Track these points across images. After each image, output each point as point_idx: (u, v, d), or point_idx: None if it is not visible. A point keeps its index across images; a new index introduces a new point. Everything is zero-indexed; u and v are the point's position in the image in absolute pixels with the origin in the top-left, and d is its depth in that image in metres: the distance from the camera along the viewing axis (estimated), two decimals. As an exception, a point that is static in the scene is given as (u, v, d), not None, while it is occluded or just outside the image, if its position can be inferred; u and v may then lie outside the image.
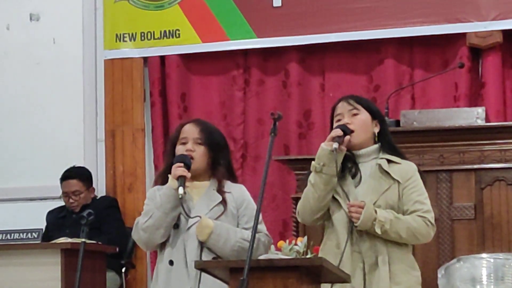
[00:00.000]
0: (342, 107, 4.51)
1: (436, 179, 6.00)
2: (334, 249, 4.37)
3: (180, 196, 4.49)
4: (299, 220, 4.59)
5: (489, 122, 6.42)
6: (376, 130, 4.51)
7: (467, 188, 6.00)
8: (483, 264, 5.78)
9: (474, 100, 6.93)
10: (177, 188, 4.50)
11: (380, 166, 4.42)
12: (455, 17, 6.90)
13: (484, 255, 5.79)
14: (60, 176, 7.08)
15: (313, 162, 4.39)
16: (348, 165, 4.45)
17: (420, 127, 6.16)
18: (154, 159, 7.46)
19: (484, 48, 6.93)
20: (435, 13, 6.95)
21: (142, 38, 7.45)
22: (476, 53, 7.00)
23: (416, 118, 6.27)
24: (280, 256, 6.04)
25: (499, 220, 5.94)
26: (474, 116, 6.20)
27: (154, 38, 7.44)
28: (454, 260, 5.83)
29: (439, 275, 5.84)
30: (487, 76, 6.95)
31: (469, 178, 6.00)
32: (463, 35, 6.92)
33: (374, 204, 4.34)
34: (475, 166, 6.00)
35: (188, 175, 4.54)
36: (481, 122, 6.16)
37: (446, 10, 6.93)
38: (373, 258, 4.32)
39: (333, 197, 4.42)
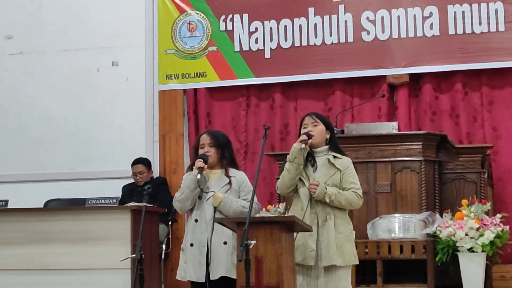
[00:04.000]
0: (308, 120, 4.40)
1: (366, 167, 5.98)
2: (299, 211, 4.25)
3: (197, 179, 4.42)
4: (278, 192, 4.46)
5: (400, 131, 6.43)
6: (328, 136, 4.38)
7: (386, 173, 5.98)
8: (396, 220, 5.80)
9: (391, 117, 6.91)
10: (197, 175, 4.45)
11: (328, 159, 4.31)
12: (379, 65, 6.89)
13: (396, 215, 5.84)
14: (131, 163, 7.09)
15: (288, 155, 4.29)
16: (309, 158, 4.34)
17: (356, 134, 6.13)
18: (189, 153, 7.31)
19: (398, 85, 6.92)
20: (366, 62, 6.91)
21: (183, 77, 7.39)
22: (392, 88, 6.97)
23: (355, 128, 6.23)
24: (268, 215, 6.10)
25: (406, 193, 5.94)
26: (391, 128, 6.18)
27: (190, 77, 7.38)
28: (378, 218, 5.86)
29: (368, 228, 5.87)
30: (399, 102, 6.93)
31: (387, 166, 5.98)
32: (384, 77, 6.91)
33: (325, 183, 4.24)
34: (391, 159, 5.98)
35: (205, 166, 4.46)
36: (395, 131, 6.14)
37: (373, 60, 6.90)
38: (324, 217, 4.23)
39: (300, 178, 4.29)
